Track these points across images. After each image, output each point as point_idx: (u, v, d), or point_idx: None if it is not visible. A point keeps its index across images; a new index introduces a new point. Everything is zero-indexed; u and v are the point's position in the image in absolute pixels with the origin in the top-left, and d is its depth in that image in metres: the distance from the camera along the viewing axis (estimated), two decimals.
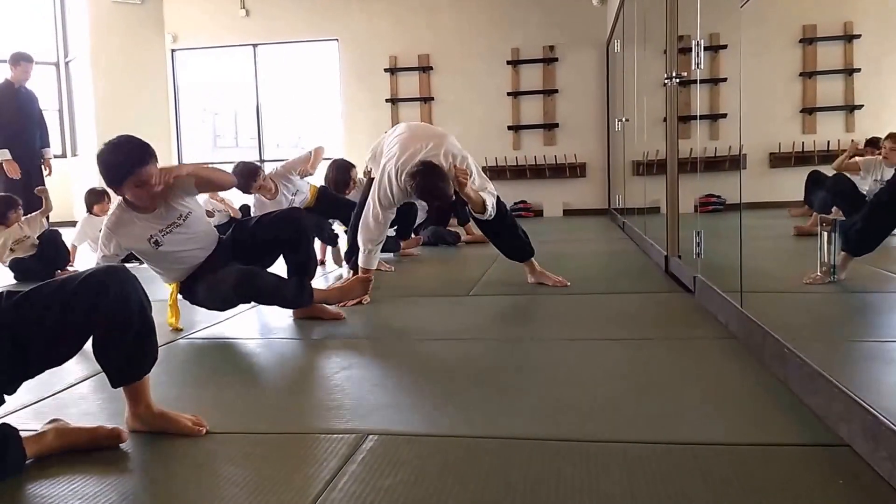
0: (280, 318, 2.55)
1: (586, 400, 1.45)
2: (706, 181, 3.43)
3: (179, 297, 2.31)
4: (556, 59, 7.58)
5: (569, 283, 2.85)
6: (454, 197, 2.65)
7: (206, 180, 2.24)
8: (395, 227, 4.02)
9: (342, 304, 2.56)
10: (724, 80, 4.05)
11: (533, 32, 7.58)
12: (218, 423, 1.39)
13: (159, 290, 2.43)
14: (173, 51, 8.38)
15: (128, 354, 1.28)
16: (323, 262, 4.04)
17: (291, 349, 2.09)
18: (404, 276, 3.36)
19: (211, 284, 2.19)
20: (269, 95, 8.47)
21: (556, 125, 7.61)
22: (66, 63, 8.25)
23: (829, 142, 3.49)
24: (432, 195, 2.61)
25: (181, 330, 2.26)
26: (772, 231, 2.96)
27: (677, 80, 2.89)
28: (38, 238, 3.93)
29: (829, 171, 2.54)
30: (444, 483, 1.07)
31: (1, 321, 1.16)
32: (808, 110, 3.97)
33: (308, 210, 3.75)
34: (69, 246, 4.09)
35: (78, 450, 1.24)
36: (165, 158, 7.80)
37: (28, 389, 1.62)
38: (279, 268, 2.43)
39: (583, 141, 7.57)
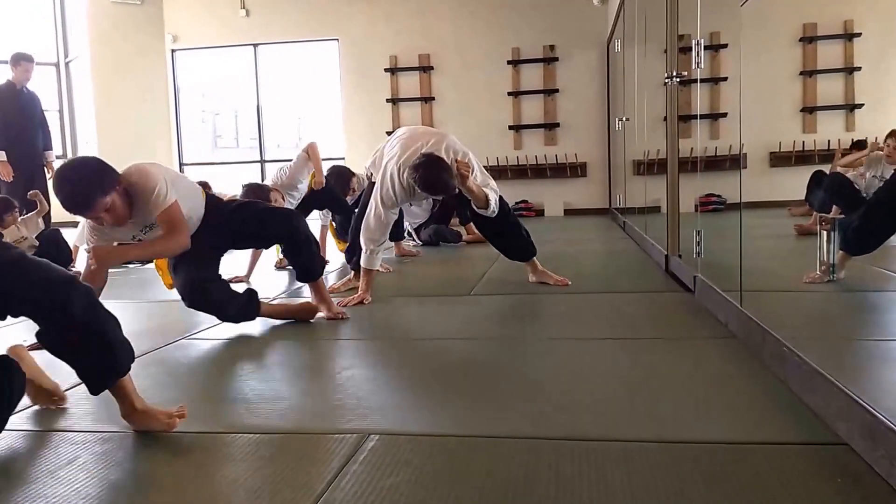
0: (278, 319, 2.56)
1: (586, 399, 1.45)
2: (706, 180, 3.43)
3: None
4: (557, 59, 7.59)
5: (570, 283, 2.85)
6: (457, 190, 2.64)
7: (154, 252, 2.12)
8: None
9: (342, 303, 2.56)
10: (725, 79, 4.05)
11: (533, 32, 7.58)
12: (219, 422, 1.39)
13: (160, 291, 2.44)
14: (173, 51, 8.38)
15: (92, 363, 1.30)
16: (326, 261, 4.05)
17: (293, 349, 2.09)
18: (405, 276, 3.36)
19: (177, 280, 2.20)
20: (269, 95, 8.48)
21: (557, 125, 7.61)
22: (66, 63, 8.25)
23: (829, 141, 3.49)
24: (435, 187, 2.57)
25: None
26: (772, 230, 2.96)
27: (678, 80, 2.89)
28: (36, 238, 3.94)
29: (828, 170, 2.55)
30: (446, 482, 1.07)
31: None
32: (809, 109, 3.97)
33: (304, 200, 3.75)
34: (71, 246, 4.10)
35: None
36: (166, 159, 7.82)
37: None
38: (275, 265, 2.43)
39: (583, 140, 7.57)
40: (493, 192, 2.73)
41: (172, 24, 8.19)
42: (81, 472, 1.17)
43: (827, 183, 2.45)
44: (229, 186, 5.00)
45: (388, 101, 7.90)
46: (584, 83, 7.53)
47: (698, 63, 2.41)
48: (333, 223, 4.22)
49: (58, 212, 4.81)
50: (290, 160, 3.77)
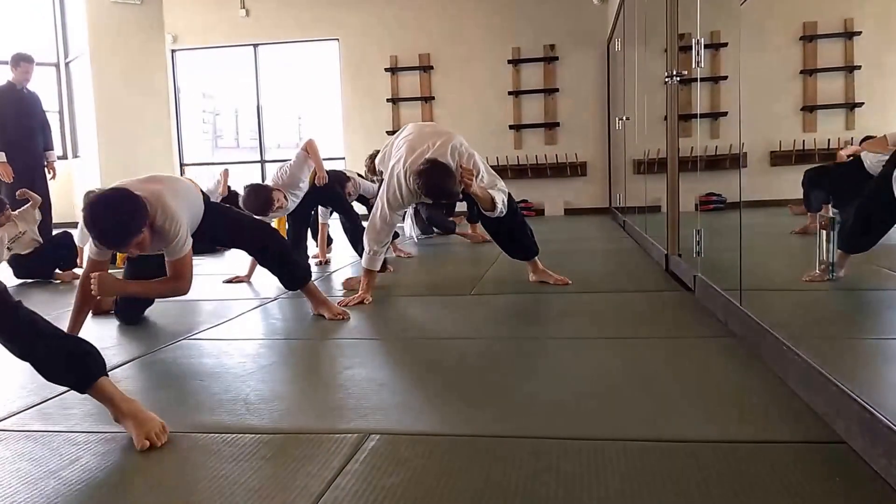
0: (281, 318, 2.56)
1: (586, 398, 1.45)
2: (707, 179, 3.43)
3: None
4: (557, 58, 7.59)
5: (570, 282, 2.85)
6: (461, 196, 2.65)
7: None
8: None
9: (343, 303, 2.57)
10: (725, 78, 4.05)
11: (534, 31, 7.58)
12: (220, 422, 1.40)
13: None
14: (173, 51, 8.39)
15: (59, 366, 1.31)
16: (327, 262, 4.04)
17: (293, 349, 2.09)
18: (405, 275, 3.36)
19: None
20: (269, 95, 8.48)
21: (557, 124, 7.61)
22: (67, 64, 8.26)
23: (829, 140, 3.49)
24: (439, 193, 2.61)
25: None
26: (772, 229, 2.96)
27: (678, 79, 2.90)
28: (47, 240, 3.95)
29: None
30: (446, 482, 1.07)
31: None
32: (809, 108, 3.97)
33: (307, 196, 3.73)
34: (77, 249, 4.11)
35: None
36: (166, 159, 7.82)
37: (32, 391, 1.63)
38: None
39: (584, 140, 7.57)
40: (501, 192, 2.73)
41: (172, 24, 8.19)
42: (83, 472, 1.17)
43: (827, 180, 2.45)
44: (229, 186, 5.01)
45: (388, 100, 7.90)
46: (584, 82, 7.53)
47: (698, 62, 2.41)
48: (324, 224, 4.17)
49: (59, 213, 4.83)
50: (290, 160, 3.75)
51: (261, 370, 1.82)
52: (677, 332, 2.02)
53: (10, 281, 3.77)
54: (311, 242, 4.05)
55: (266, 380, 1.73)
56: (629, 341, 1.93)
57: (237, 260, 4.29)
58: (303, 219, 3.81)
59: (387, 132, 7.87)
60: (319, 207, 3.97)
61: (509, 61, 7.65)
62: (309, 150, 3.65)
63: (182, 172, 8.57)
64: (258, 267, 3.48)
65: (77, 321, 2.08)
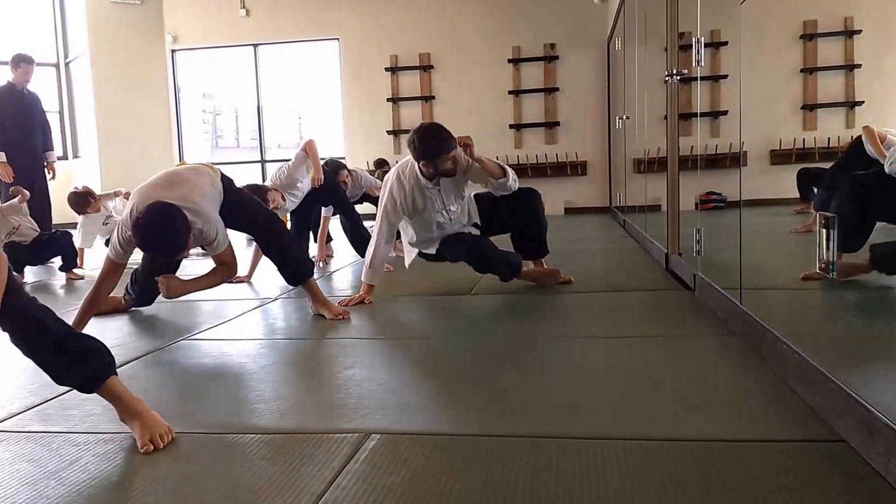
0: (281, 318, 2.56)
1: (586, 397, 1.45)
2: (707, 178, 3.43)
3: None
4: (557, 58, 7.58)
5: (572, 279, 2.84)
6: (455, 159, 2.60)
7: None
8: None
9: (343, 303, 2.57)
10: (725, 76, 4.05)
11: (534, 31, 7.58)
12: (220, 422, 1.40)
13: None
14: (173, 51, 8.39)
15: (68, 364, 1.29)
16: (325, 261, 4.04)
17: (293, 349, 2.10)
18: (405, 275, 3.36)
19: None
20: (269, 95, 8.49)
21: (557, 123, 7.61)
22: (66, 64, 8.26)
23: (829, 138, 3.49)
24: (434, 148, 2.54)
25: None
26: (772, 228, 2.96)
27: (678, 78, 2.89)
28: (48, 239, 3.97)
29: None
30: (447, 481, 1.07)
31: None
32: (809, 107, 3.97)
33: (310, 196, 3.73)
34: (77, 250, 4.12)
35: None
36: (166, 159, 7.83)
37: (32, 392, 1.63)
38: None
39: (584, 139, 7.57)
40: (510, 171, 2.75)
41: (172, 24, 8.19)
42: (83, 473, 1.18)
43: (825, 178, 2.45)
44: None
45: (388, 100, 7.90)
46: (584, 82, 7.53)
47: (698, 61, 2.41)
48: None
49: (59, 213, 4.83)
50: (290, 160, 3.76)
51: (261, 370, 1.82)
52: (677, 330, 2.02)
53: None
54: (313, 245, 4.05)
55: (266, 380, 1.73)
56: (629, 340, 1.93)
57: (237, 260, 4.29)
58: (305, 218, 3.82)
59: (387, 132, 7.87)
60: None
61: (509, 60, 7.65)
62: (308, 150, 3.66)
63: None
64: (258, 267, 3.50)
65: (83, 320, 2.17)
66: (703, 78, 2.94)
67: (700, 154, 3.20)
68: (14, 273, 1.28)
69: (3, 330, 1.27)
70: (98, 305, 2.28)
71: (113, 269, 2.23)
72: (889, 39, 2.43)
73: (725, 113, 4.08)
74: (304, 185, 3.72)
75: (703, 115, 3.87)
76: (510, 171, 2.72)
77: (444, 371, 1.74)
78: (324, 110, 8.66)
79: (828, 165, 2.75)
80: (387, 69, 7.86)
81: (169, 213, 2.06)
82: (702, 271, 2.39)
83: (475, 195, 2.92)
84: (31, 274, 4.09)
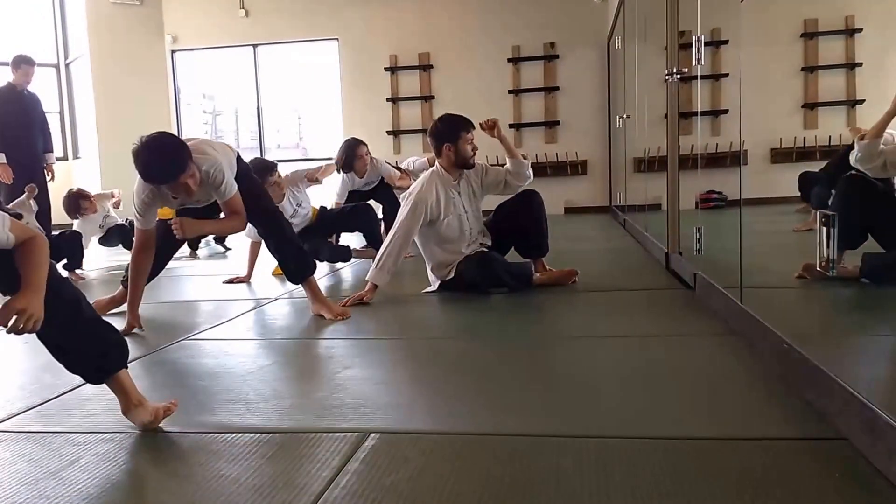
0: (281, 318, 2.56)
1: (587, 396, 1.45)
2: (707, 177, 3.43)
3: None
4: (557, 57, 7.58)
5: (577, 274, 2.83)
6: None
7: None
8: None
9: (343, 303, 2.57)
10: (726, 75, 4.05)
11: (533, 30, 7.57)
12: (220, 421, 1.40)
13: (160, 292, 2.45)
14: (173, 51, 8.39)
15: (85, 355, 1.31)
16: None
17: (293, 348, 2.10)
18: (405, 274, 3.36)
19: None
20: (269, 95, 8.49)
21: (558, 123, 7.61)
22: (67, 65, 8.26)
23: (830, 137, 3.48)
24: (458, 122, 2.79)
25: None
26: (772, 227, 2.96)
27: (678, 77, 2.89)
28: (57, 237, 3.98)
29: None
30: (447, 480, 1.07)
31: None
32: (810, 105, 3.96)
33: (309, 228, 3.71)
34: (84, 250, 4.13)
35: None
36: None
37: (32, 392, 1.63)
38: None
39: (584, 138, 7.57)
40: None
41: (172, 25, 8.19)
42: (83, 473, 1.17)
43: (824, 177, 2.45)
44: None
45: (388, 100, 7.89)
46: (584, 81, 7.53)
47: (699, 60, 2.40)
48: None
49: (58, 214, 4.83)
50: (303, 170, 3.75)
51: (261, 370, 1.82)
52: (677, 329, 2.01)
53: None
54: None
55: (266, 379, 1.73)
56: (629, 339, 1.93)
57: (237, 260, 4.29)
58: (328, 218, 3.80)
59: (387, 132, 7.87)
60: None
61: (509, 60, 7.65)
62: (325, 166, 3.76)
63: None
64: (256, 267, 3.50)
65: (135, 300, 2.31)
66: (703, 77, 2.94)
67: (700, 153, 3.19)
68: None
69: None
70: (143, 281, 2.35)
71: (144, 239, 2.31)
72: (890, 38, 2.43)
73: (726, 112, 4.07)
74: (305, 199, 3.70)
75: (703, 113, 3.86)
76: (527, 164, 2.89)
77: (443, 370, 1.73)
78: (323, 110, 8.66)
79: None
80: (386, 69, 7.85)
81: (167, 136, 2.12)
82: (702, 270, 2.39)
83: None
84: None
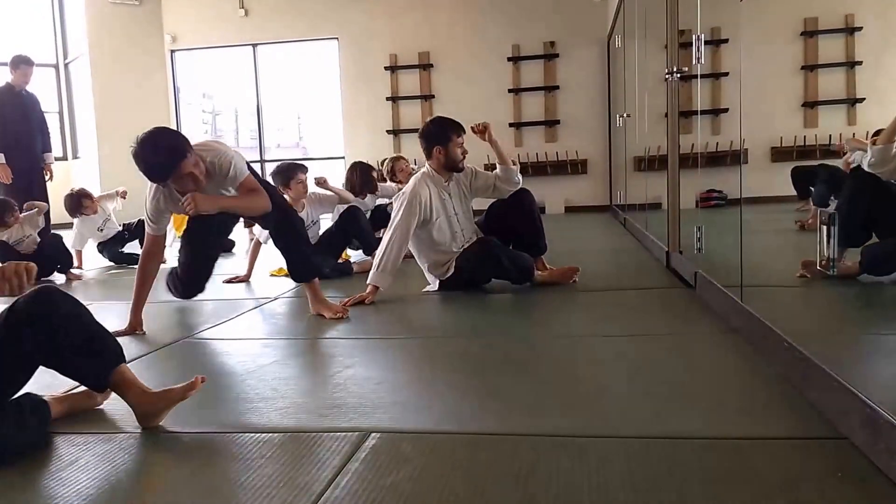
0: (281, 318, 2.56)
1: (587, 395, 1.45)
2: (707, 176, 3.42)
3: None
4: (557, 55, 7.57)
5: (578, 272, 2.82)
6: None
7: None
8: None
9: (344, 303, 2.56)
10: (726, 74, 4.05)
11: (533, 28, 7.57)
12: (220, 421, 1.40)
13: (160, 292, 2.45)
14: (172, 51, 8.39)
15: (86, 358, 1.33)
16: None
17: (293, 348, 2.09)
18: (405, 274, 3.36)
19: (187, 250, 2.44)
20: (269, 95, 8.48)
21: (558, 122, 7.60)
22: (66, 65, 8.26)
23: (830, 135, 3.48)
24: (449, 124, 2.78)
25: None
26: (773, 225, 2.95)
27: (678, 75, 2.89)
28: (39, 244, 3.98)
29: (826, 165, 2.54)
30: (447, 479, 1.07)
31: None
32: (810, 104, 3.96)
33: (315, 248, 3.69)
34: (72, 252, 4.13)
35: (74, 413, 1.43)
36: None
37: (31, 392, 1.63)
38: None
39: (584, 137, 7.56)
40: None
41: (171, 25, 8.19)
42: (83, 473, 1.17)
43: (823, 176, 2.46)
44: None
45: (388, 99, 7.89)
46: (584, 79, 7.52)
47: (699, 58, 2.40)
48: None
49: (57, 214, 4.83)
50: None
51: (261, 369, 1.82)
52: (678, 328, 2.01)
53: None
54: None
55: (266, 379, 1.72)
56: (630, 338, 1.93)
57: (237, 260, 4.29)
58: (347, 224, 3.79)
59: (386, 131, 7.86)
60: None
61: (509, 59, 7.64)
62: (344, 196, 3.69)
63: None
64: (256, 267, 3.49)
65: (138, 306, 2.30)
66: (703, 75, 2.93)
67: (701, 152, 3.19)
68: None
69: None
70: (149, 286, 2.34)
71: (153, 245, 2.33)
72: (890, 36, 2.43)
73: (726, 110, 4.07)
74: (315, 229, 3.65)
75: (703, 112, 3.86)
76: (516, 170, 2.87)
77: (444, 370, 1.73)
78: (323, 110, 8.66)
79: (828, 163, 2.74)
80: (386, 68, 7.85)
81: (161, 128, 2.11)
82: (703, 269, 2.38)
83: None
84: None
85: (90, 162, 7.70)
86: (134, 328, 2.28)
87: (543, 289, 2.74)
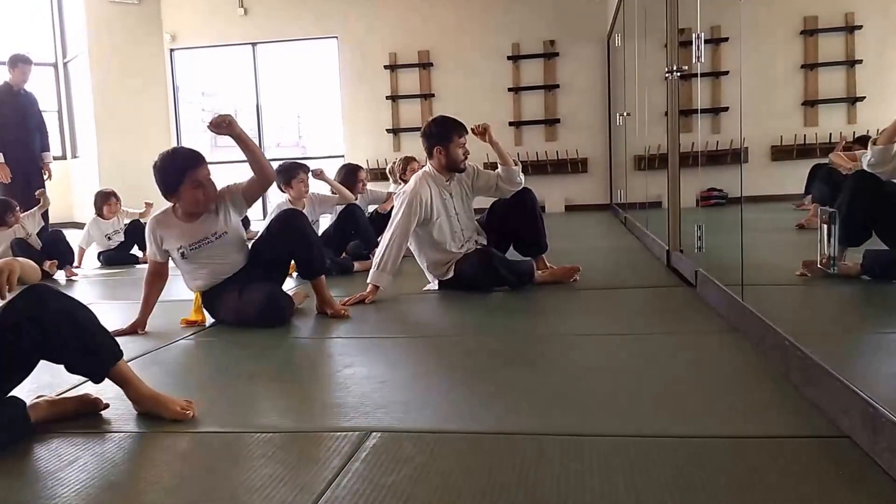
0: None
1: (589, 395, 1.45)
2: (708, 175, 3.42)
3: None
4: (557, 54, 7.57)
5: (579, 270, 2.82)
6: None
7: (257, 170, 2.39)
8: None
9: (344, 302, 2.56)
10: (726, 73, 4.04)
11: (533, 27, 7.56)
12: (221, 421, 1.39)
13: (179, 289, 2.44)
14: (172, 50, 8.37)
15: (87, 353, 1.35)
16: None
17: (294, 348, 2.09)
18: (406, 273, 3.36)
19: (235, 306, 2.30)
20: (268, 94, 8.47)
21: (558, 120, 7.60)
22: (65, 63, 8.24)
23: (830, 134, 3.48)
24: (451, 124, 2.75)
25: (202, 322, 2.36)
26: (773, 224, 2.95)
27: (678, 74, 2.88)
28: (40, 240, 3.99)
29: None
30: (448, 479, 1.07)
31: None
32: (810, 102, 3.95)
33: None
34: (76, 248, 4.14)
35: (66, 417, 1.41)
36: None
37: (30, 392, 1.62)
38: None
39: (584, 136, 7.56)
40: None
41: (170, 24, 8.18)
42: (82, 473, 1.17)
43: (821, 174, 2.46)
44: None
45: (387, 98, 7.88)
46: (584, 78, 7.51)
47: (699, 57, 2.40)
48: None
49: (57, 214, 4.83)
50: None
51: (261, 369, 1.82)
52: (679, 327, 2.01)
53: None
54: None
55: (266, 378, 1.72)
56: (630, 337, 1.93)
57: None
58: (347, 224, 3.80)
59: (386, 130, 7.86)
60: None
61: (509, 57, 7.63)
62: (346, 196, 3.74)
63: None
64: None
65: (148, 305, 2.32)
66: (703, 74, 2.93)
67: (701, 150, 3.19)
68: None
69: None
70: (154, 299, 2.35)
71: (156, 269, 2.36)
72: (890, 35, 2.42)
73: (726, 109, 4.07)
74: (316, 227, 3.68)
75: (703, 111, 3.86)
76: (519, 169, 2.86)
77: (444, 369, 1.73)
78: (323, 109, 8.65)
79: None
80: (386, 67, 7.84)
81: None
82: (703, 268, 2.38)
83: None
84: None
85: (89, 161, 7.69)
86: (136, 327, 2.28)
87: (544, 288, 2.74)
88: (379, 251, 2.70)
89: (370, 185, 4.30)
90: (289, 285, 3.07)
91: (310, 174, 3.68)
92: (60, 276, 3.93)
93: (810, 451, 1.11)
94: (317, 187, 3.87)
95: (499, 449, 1.17)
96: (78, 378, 1.70)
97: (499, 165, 2.86)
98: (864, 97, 3.16)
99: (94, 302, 3.13)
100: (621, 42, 5.62)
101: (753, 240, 2.07)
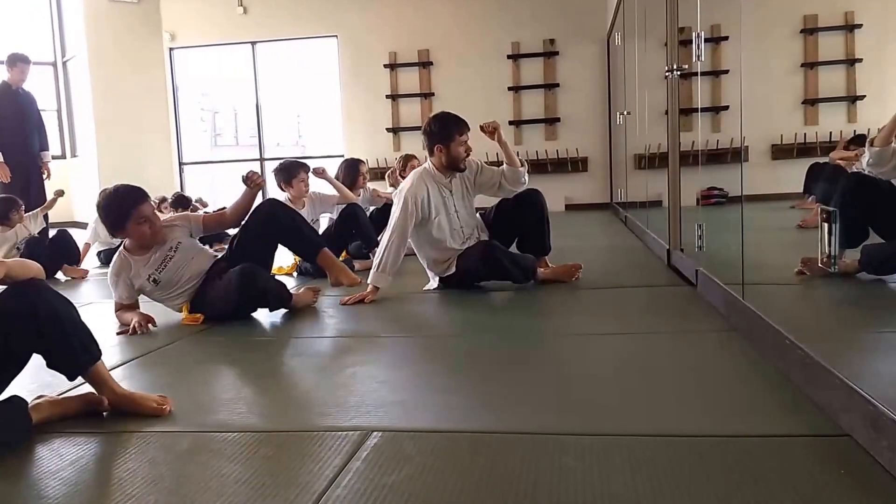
0: (281, 317, 2.56)
1: (589, 394, 1.45)
2: (708, 174, 3.42)
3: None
4: (557, 53, 7.56)
5: (581, 269, 2.81)
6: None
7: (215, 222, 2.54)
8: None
9: (344, 302, 2.56)
10: (726, 71, 4.04)
11: (533, 26, 7.56)
12: (221, 421, 1.39)
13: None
14: (171, 49, 8.37)
15: (65, 352, 1.37)
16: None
17: (294, 347, 2.09)
18: (406, 272, 3.36)
19: (218, 294, 2.33)
20: (268, 93, 8.47)
21: (558, 119, 7.60)
22: (64, 63, 8.24)
23: (831, 133, 3.48)
24: (454, 121, 2.74)
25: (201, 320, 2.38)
26: (774, 223, 2.95)
27: (678, 73, 2.88)
28: (38, 233, 4.00)
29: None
30: (449, 478, 1.07)
31: None
32: (810, 101, 3.95)
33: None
34: (81, 245, 4.15)
35: (68, 417, 1.41)
36: (165, 158, 7.80)
37: (30, 392, 1.62)
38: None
39: (584, 135, 7.56)
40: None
41: (170, 23, 8.17)
42: (83, 473, 1.17)
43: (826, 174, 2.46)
44: (231, 184, 5.01)
45: (387, 97, 7.88)
46: (584, 77, 7.51)
47: (699, 56, 2.40)
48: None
49: (56, 213, 4.83)
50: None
51: (261, 369, 1.82)
52: (679, 326, 2.01)
53: None
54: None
55: (267, 378, 1.72)
56: (631, 336, 1.93)
57: None
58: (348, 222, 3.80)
59: (386, 129, 7.86)
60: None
61: (509, 56, 7.63)
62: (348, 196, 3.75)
63: (181, 171, 8.56)
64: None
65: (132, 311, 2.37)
66: (703, 73, 2.93)
67: (701, 149, 3.19)
68: None
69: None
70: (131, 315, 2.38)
71: (125, 309, 2.41)
72: (890, 33, 2.42)
73: (726, 108, 4.07)
74: (316, 226, 3.70)
75: (703, 110, 3.86)
76: (524, 171, 2.85)
77: (445, 368, 1.73)
78: (323, 108, 8.65)
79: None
80: (385, 66, 7.84)
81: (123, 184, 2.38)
82: (704, 267, 2.38)
83: (479, 215, 2.96)
84: None
85: (88, 160, 7.68)
86: (141, 325, 2.29)
87: (545, 286, 2.74)
88: (378, 252, 2.70)
89: (370, 185, 4.29)
90: (290, 284, 3.07)
91: (310, 173, 3.68)
92: (59, 274, 3.93)
93: (811, 449, 1.11)
94: (317, 187, 3.88)
95: (499, 448, 1.17)
96: (79, 378, 1.70)
97: (504, 164, 2.84)
98: (864, 96, 3.16)
99: (95, 301, 3.13)
100: (621, 41, 5.62)
101: (754, 239, 2.07)
